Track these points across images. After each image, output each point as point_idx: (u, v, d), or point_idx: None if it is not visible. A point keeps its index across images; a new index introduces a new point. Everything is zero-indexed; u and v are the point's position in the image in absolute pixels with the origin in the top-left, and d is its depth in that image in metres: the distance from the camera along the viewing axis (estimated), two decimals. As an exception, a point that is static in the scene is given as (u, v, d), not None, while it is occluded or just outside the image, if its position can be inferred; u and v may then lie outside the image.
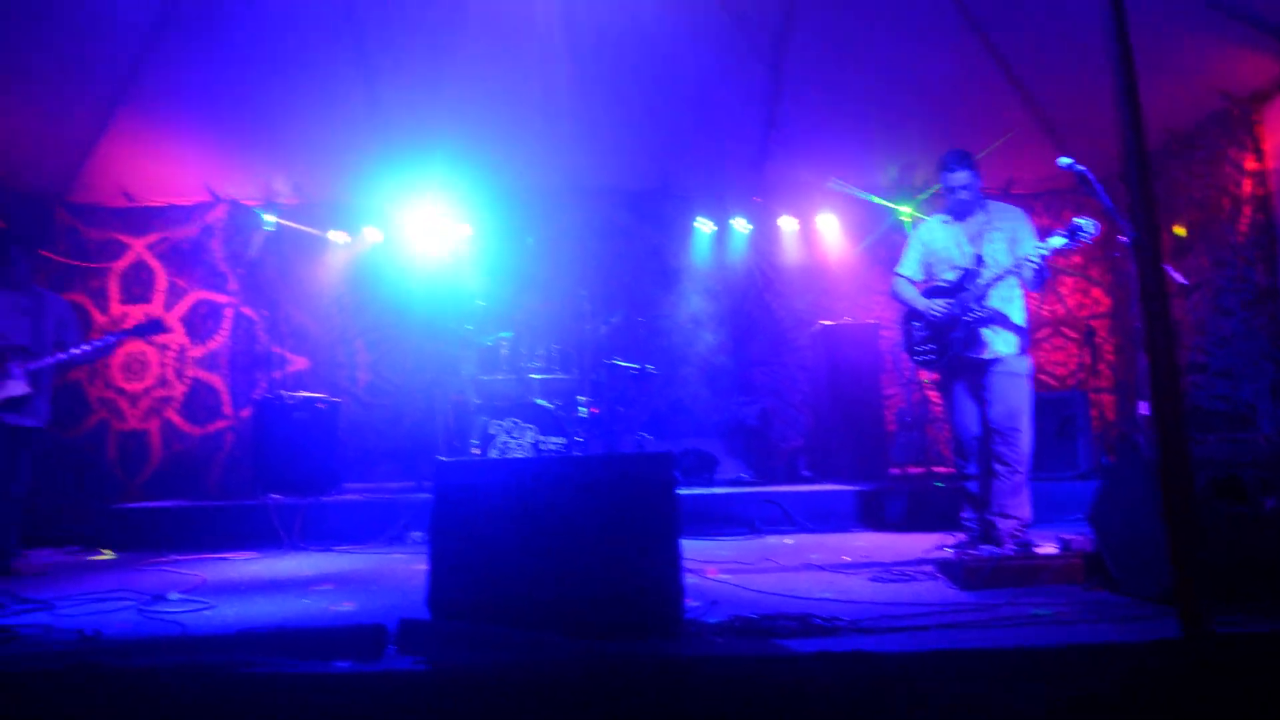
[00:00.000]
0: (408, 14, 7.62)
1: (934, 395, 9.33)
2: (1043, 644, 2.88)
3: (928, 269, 5.37)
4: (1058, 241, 4.84)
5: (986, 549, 4.07)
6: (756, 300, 9.88)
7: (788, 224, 9.84)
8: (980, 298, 5.03)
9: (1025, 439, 4.93)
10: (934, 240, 5.36)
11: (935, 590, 4.00)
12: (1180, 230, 8.01)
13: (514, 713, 2.67)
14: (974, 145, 8.88)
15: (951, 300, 5.10)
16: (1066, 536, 4.19)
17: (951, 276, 5.20)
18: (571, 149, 8.70)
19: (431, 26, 7.66)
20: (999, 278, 5.00)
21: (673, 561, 3.26)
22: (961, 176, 5.19)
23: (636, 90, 8.29)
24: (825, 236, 9.85)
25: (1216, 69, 7.08)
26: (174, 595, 4.48)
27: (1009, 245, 5.18)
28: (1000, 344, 5.09)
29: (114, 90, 7.91)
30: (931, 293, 5.25)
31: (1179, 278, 4.70)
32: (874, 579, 4.37)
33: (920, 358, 5.30)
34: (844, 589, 4.14)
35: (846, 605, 3.72)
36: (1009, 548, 4.12)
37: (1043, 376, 9.35)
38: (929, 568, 4.42)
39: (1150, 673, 2.70)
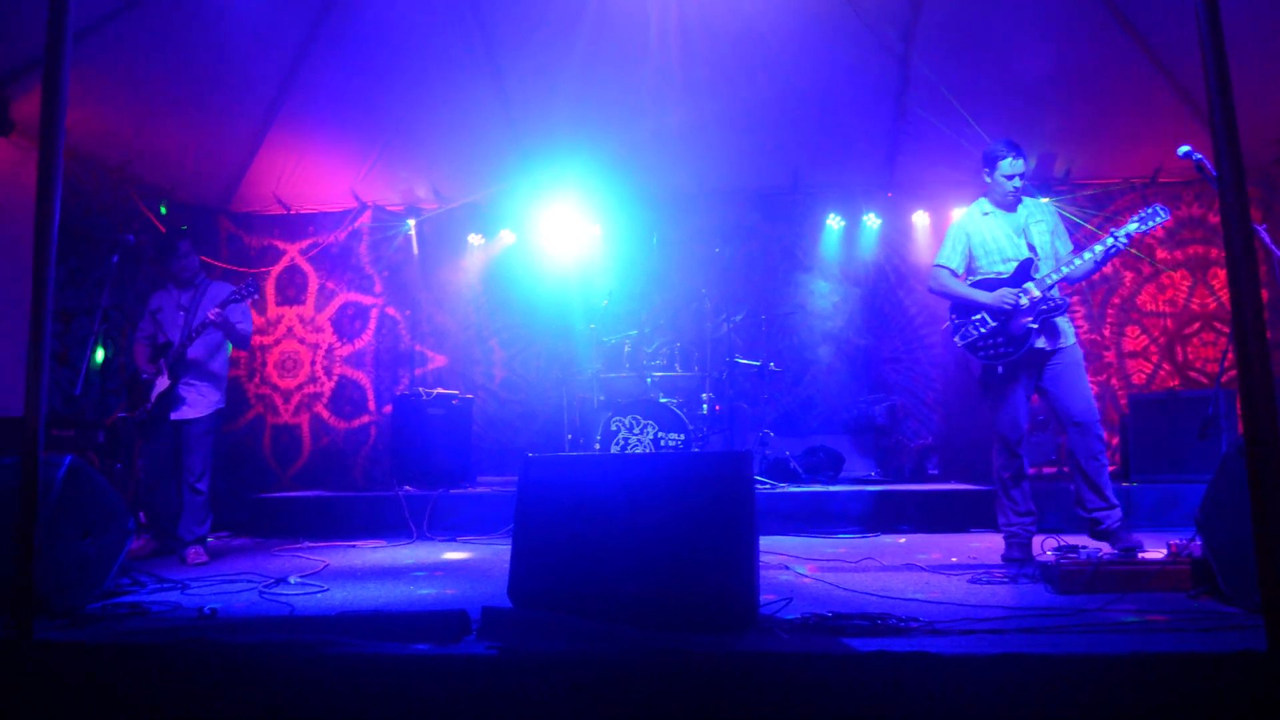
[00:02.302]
0: (533, 17, 7.81)
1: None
2: (1114, 651, 2.79)
3: (970, 262, 5.27)
4: (1132, 227, 4.87)
5: (1087, 552, 3.94)
6: (888, 296, 9.73)
7: (920, 218, 9.65)
8: (1051, 286, 4.96)
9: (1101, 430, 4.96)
10: (979, 232, 5.25)
11: (1031, 594, 3.91)
12: None
13: (574, 698, 2.76)
14: (1116, 134, 8.63)
15: (1018, 291, 4.98)
16: (1176, 541, 4.01)
17: (1006, 269, 5.11)
18: (696, 150, 8.78)
19: (554, 32, 7.83)
20: (1057, 269, 4.97)
21: (748, 558, 3.29)
22: (1020, 165, 5.15)
23: (762, 88, 8.26)
24: (959, 231, 9.60)
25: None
26: (294, 579, 4.77)
27: (1051, 237, 5.12)
28: (1070, 333, 5.08)
29: (268, 106, 8.39)
30: (989, 285, 5.12)
31: (1296, 269, 4.43)
32: (972, 580, 4.29)
33: (989, 353, 5.08)
34: (938, 589, 4.09)
35: (931, 606, 3.68)
36: (1115, 550, 3.98)
37: (1192, 374, 8.91)
38: (1033, 571, 4.30)
39: (1229, 686, 2.60)
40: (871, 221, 9.65)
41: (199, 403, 6.03)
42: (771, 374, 8.20)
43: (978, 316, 5.09)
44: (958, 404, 8.10)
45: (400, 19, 7.78)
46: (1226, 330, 8.76)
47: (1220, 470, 3.83)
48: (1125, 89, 7.96)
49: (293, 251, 10.05)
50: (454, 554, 5.91)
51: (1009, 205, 5.23)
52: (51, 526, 3.91)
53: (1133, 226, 4.87)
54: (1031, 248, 5.09)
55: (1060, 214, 5.36)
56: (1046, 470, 8.16)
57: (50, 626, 3.54)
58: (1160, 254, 9.05)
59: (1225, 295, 9.03)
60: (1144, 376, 9.01)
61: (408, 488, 7.53)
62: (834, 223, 9.66)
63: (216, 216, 9.74)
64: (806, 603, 3.73)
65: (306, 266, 10.04)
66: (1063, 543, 4.28)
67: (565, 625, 3.17)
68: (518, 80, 8.35)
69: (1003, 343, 5.01)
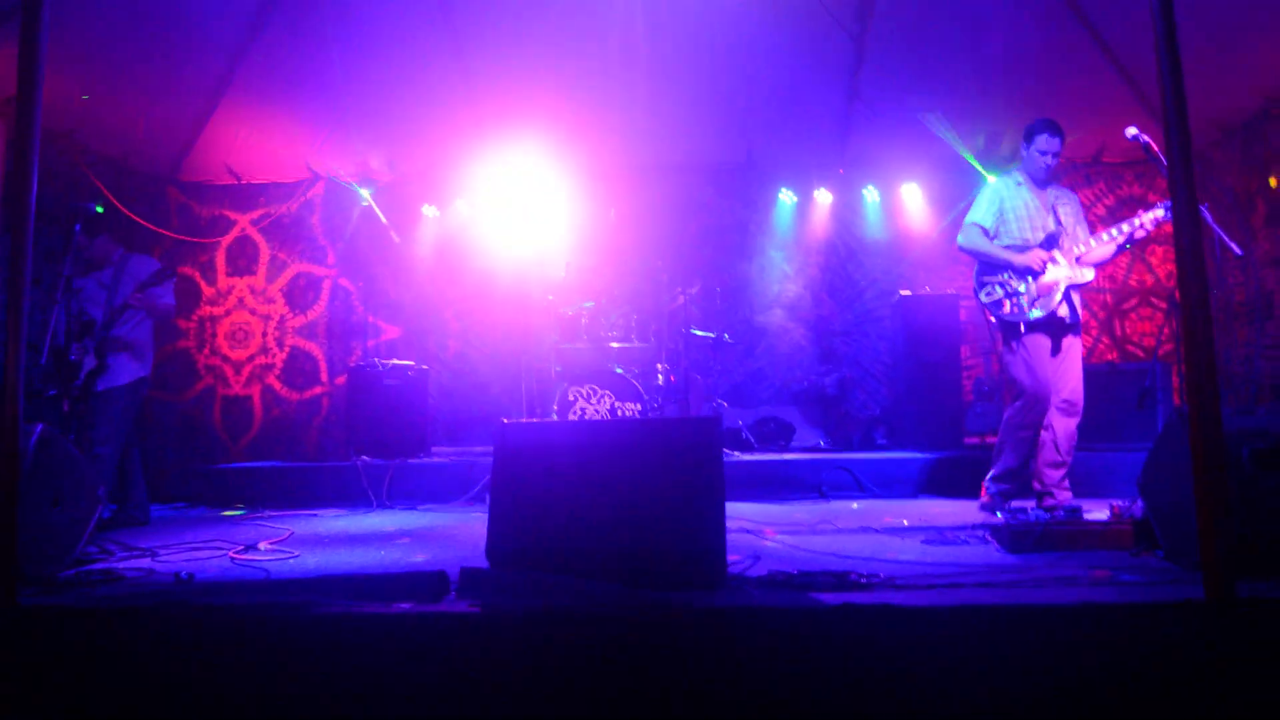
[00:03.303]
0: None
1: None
2: (1065, 602, 2.97)
3: (1000, 225, 5.46)
4: (1159, 213, 5.06)
5: (1035, 514, 4.13)
6: (838, 270, 9.92)
7: (870, 195, 9.84)
8: (1079, 259, 5.22)
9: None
10: (1013, 198, 5.46)
11: (983, 554, 4.09)
12: (1275, 181, 7.79)
13: (559, 651, 2.88)
14: (1061, 114, 8.82)
15: (1048, 257, 5.23)
16: (1118, 504, 4.23)
17: (1035, 237, 5.34)
18: (654, 125, 8.85)
19: (518, 9, 7.86)
20: (1075, 246, 5.21)
21: (716, 518, 3.43)
22: (1056, 144, 5.38)
23: (719, 65, 8.37)
24: (908, 207, 9.82)
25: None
26: (263, 545, 4.82)
27: (1074, 220, 5.31)
28: (1079, 312, 5.33)
29: (220, 75, 8.30)
30: (1018, 250, 5.34)
31: (1235, 247, 4.65)
32: (926, 541, 4.47)
33: (1014, 311, 5.28)
34: (893, 550, 4.26)
35: (890, 564, 3.84)
36: (1059, 513, 4.18)
37: (1130, 347, 9.22)
38: (983, 532, 4.49)
39: (1170, 632, 2.78)
40: (823, 197, 9.82)
41: (119, 372, 6.04)
42: (725, 345, 8.35)
43: (1005, 275, 5.32)
44: (905, 376, 8.30)
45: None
46: (1163, 306, 9.10)
47: (1162, 437, 4.03)
48: (1071, 71, 8.17)
49: (244, 222, 9.98)
50: (417, 521, 5.98)
51: (1040, 181, 5.45)
52: (24, 495, 3.92)
53: (1160, 213, 5.05)
54: (1059, 223, 5.31)
55: (1075, 199, 5.59)
56: (990, 439, 8.40)
57: (26, 594, 3.57)
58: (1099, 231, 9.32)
59: (1163, 272, 9.36)
60: (1084, 350, 9.29)
61: (364, 458, 7.57)
62: (787, 198, 9.83)
63: (166, 186, 9.66)
64: (771, 562, 3.87)
65: (258, 237, 9.98)
66: (1012, 505, 4.47)
67: (543, 583, 3.28)
68: (477, 52, 8.35)
69: (1029, 303, 5.22)
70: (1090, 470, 6.45)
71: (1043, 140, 5.37)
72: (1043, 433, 5.21)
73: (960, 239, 5.57)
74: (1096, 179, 9.30)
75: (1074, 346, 5.32)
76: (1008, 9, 7.76)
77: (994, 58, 8.14)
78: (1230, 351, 8.56)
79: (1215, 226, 4.73)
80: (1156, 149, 4.88)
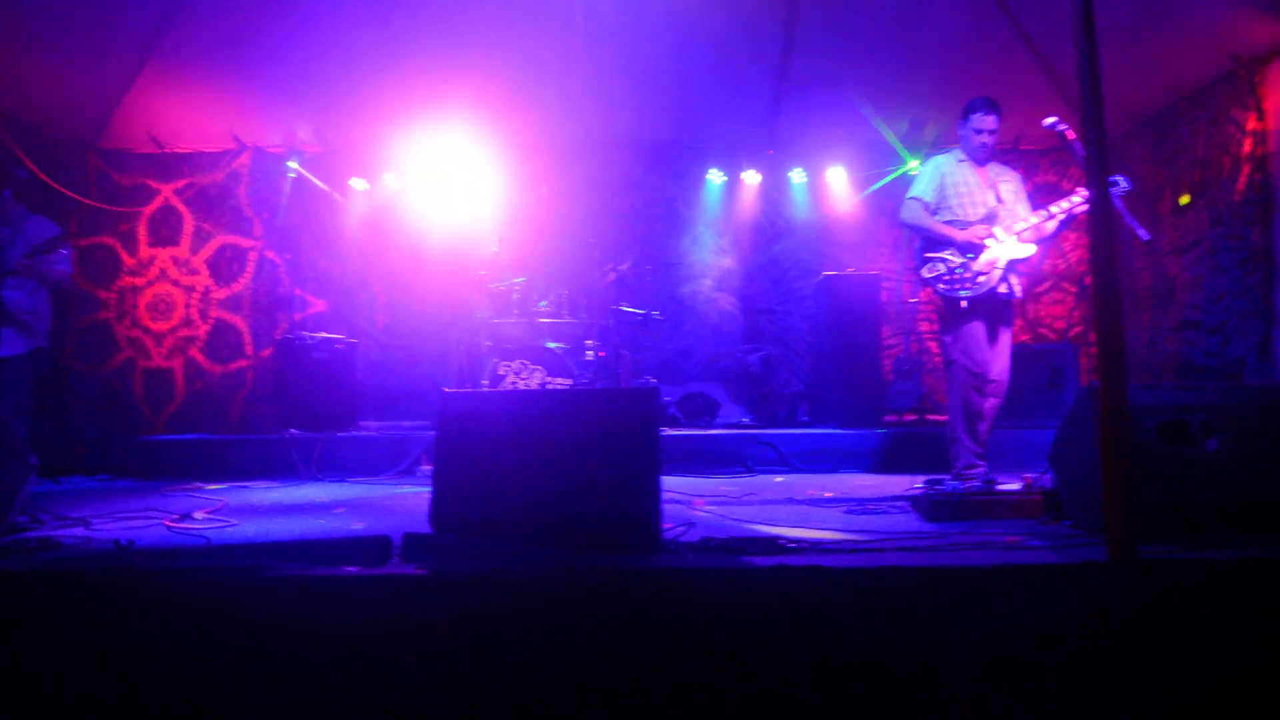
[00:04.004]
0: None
1: (933, 345, 9.59)
2: (983, 564, 3.16)
3: (941, 202, 5.53)
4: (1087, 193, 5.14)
5: (951, 484, 4.34)
6: (765, 250, 10.13)
7: (797, 176, 10.04)
8: (1019, 236, 5.33)
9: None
10: (954, 175, 5.54)
11: (903, 522, 4.29)
12: (1185, 199, 8.14)
13: (504, 612, 2.98)
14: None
15: (990, 232, 5.34)
16: (1030, 476, 4.46)
17: (976, 213, 5.43)
18: (586, 100, 8.92)
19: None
20: (1029, 222, 5.35)
21: (653, 486, 3.56)
22: (992, 121, 5.47)
23: (651, 43, 8.46)
24: (833, 189, 10.05)
25: (1224, 31, 7.19)
26: (199, 515, 4.84)
27: (1015, 197, 5.46)
28: (1018, 288, 5.45)
29: (145, 39, 8.14)
30: (959, 226, 5.43)
31: (1143, 233, 4.91)
32: (848, 512, 4.67)
33: (955, 286, 5.35)
34: (818, 519, 4.44)
35: (815, 532, 4.01)
36: (974, 484, 4.40)
37: (1042, 329, 9.58)
38: (902, 503, 4.70)
39: (1076, 589, 2.99)
40: (751, 178, 9.99)
41: (13, 341, 5.90)
42: (654, 323, 8.47)
43: (947, 251, 5.39)
44: (828, 354, 8.51)
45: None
46: (1074, 290, 9.46)
47: (1071, 412, 4.27)
48: (994, 60, 8.43)
49: (167, 191, 9.82)
50: (350, 493, 6.02)
51: (979, 159, 5.54)
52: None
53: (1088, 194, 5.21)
54: (1000, 200, 5.43)
55: (1016, 176, 5.69)
56: (908, 417, 8.70)
57: (-40, 561, 3.57)
58: (1042, 208, 9.69)
59: (1074, 257, 9.72)
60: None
61: (293, 431, 7.56)
62: (716, 177, 9.98)
63: (86, 153, 9.45)
64: (704, 530, 4.02)
65: (182, 207, 9.82)
66: (929, 477, 4.68)
67: (486, 548, 3.38)
68: (408, 22, 8.31)
69: (970, 278, 5.29)
70: (1005, 446, 6.70)
71: (977, 118, 5.46)
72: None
73: (902, 214, 5.64)
74: (1015, 166, 9.54)
75: (1010, 327, 5.47)
76: (933, 2, 7.99)
77: (919, 45, 8.37)
78: (1136, 334, 8.95)
79: (1125, 214, 4.97)
80: (1072, 138, 5.12)
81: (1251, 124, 7.40)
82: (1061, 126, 5.15)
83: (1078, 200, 5.26)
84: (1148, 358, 8.76)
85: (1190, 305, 8.16)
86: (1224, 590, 2.98)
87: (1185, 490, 3.73)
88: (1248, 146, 7.44)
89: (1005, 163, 5.78)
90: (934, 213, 5.52)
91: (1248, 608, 2.91)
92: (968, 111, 5.54)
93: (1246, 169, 7.45)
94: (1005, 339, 5.44)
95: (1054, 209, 5.34)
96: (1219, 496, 3.74)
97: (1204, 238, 7.96)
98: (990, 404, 5.38)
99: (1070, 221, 5.37)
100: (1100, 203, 3.15)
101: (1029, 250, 5.35)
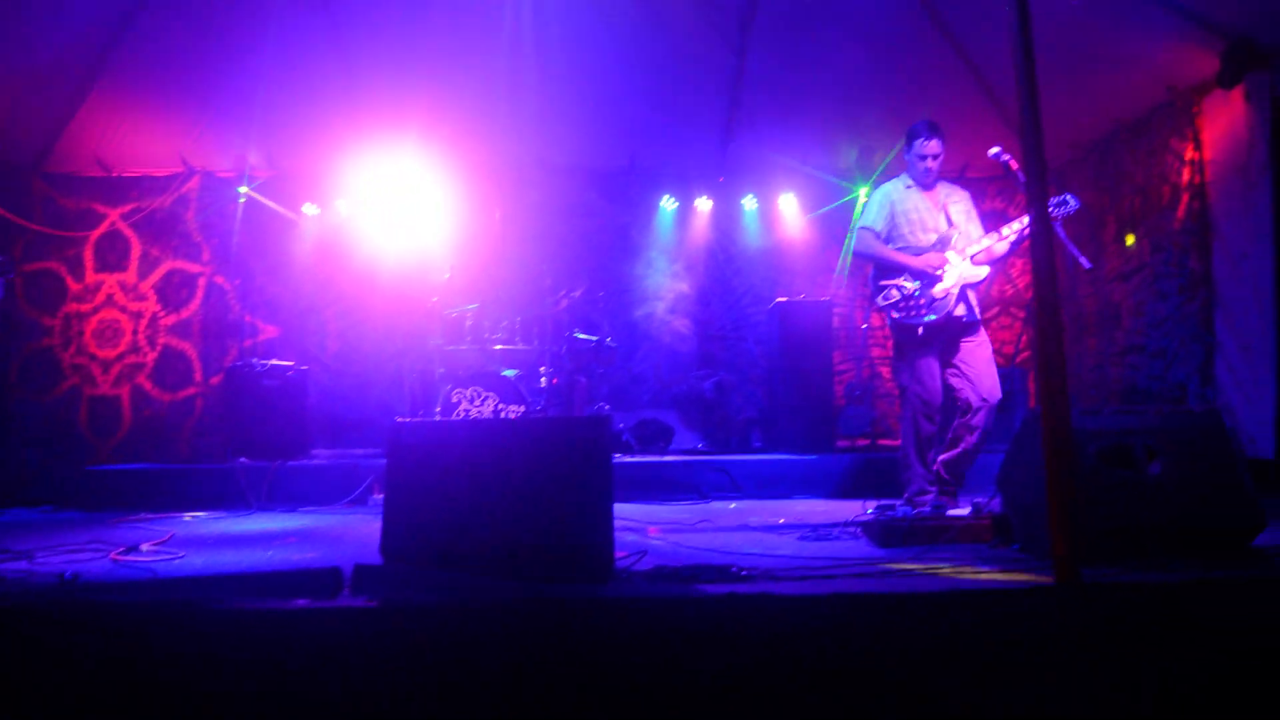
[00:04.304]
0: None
1: (884, 370, 9.69)
2: (931, 590, 3.20)
3: (892, 229, 5.56)
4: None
5: (902, 510, 4.39)
6: (717, 276, 10.20)
7: (749, 203, 10.15)
8: (972, 257, 5.35)
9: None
10: (903, 202, 5.56)
11: (855, 548, 4.33)
12: (1130, 239, 8.28)
13: (455, 644, 2.96)
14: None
15: (943, 258, 5.36)
16: (979, 500, 4.52)
17: (928, 239, 5.46)
18: (538, 127, 8.95)
19: (404, 3, 7.87)
20: (981, 244, 5.36)
21: (605, 515, 3.55)
22: (934, 145, 5.48)
23: (603, 71, 8.53)
24: (785, 216, 10.16)
25: (1163, 62, 7.38)
26: (145, 546, 4.76)
27: (966, 218, 5.50)
28: (976, 309, 5.46)
29: (92, 61, 8.08)
30: (912, 252, 5.45)
31: (1084, 261, 5.01)
32: (801, 538, 4.69)
33: (908, 315, 5.36)
34: (770, 546, 4.47)
35: (768, 559, 4.03)
36: (925, 509, 4.44)
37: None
38: (854, 529, 4.73)
39: (1025, 613, 3.03)
40: (703, 205, 10.08)
41: None
42: (606, 349, 8.48)
43: (901, 279, 5.39)
44: (780, 380, 8.58)
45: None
46: (1021, 315, 9.61)
47: (1018, 437, 4.34)
48: (940, 90, 8.60)
49: (114, 216, 9.68)
50: (301, 522, 5.96)
51: (926, 184, 5.56)
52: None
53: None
54: (951, 223, 5.44)
55: (966, 198, 5.69)
56: (860, 442, 8.77)
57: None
58: (993, 229, 9.86)
59: (1022, 283, 9.90)
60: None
61: (243, 459, 7.46)
62: (668, 204, 10.06)
63: (31, 177, 9.31)
64: (656, 558, 4.02)
65: (129, 232, 9.69)
66: (880, 503, 4.72)
67: (438, 578, 3.36)
68: (361, 47, 8.31)
69: (924, 305, 5.29)
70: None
71: (919, 144, 5.48)
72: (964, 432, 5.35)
73: (855, 245, 5.68)
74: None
75: (980, 345, 5.40)
76: (882, 29, 8.13)
77: (868, 75, 8.51)
78: (1082, 359, 9.11)
79: (1068, 242, 5.07)
80: (1016, 167, 5.22)
81: (1189, 153, 7.59)
82: (1005, 156, 5.25)
83: (1028, 222, 5.30)
84: (1094, 381, 8.92)
85: (1134, 330, 8.33)
86: (1168, 612, 3.04)
87: (1129, 514, 3.80)
88: (1186, 175, 7.63)
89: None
90: (887, 240, 5.54)
91: (1191, 629, 2.96)
92: (910, 137, 5.56)
93: (1185, 197, 7.63)
94: (980, 357, 5.38)
95: (1005, 230, 5.37)
96: (1161, 520, 3.82)
97: (1145, 264, 8.13)
98: (968, 423, 5.33)
99: (1020, 243, 5.38)
100: (1042, 233, 3.21)
101: (982, 272, 5.38)
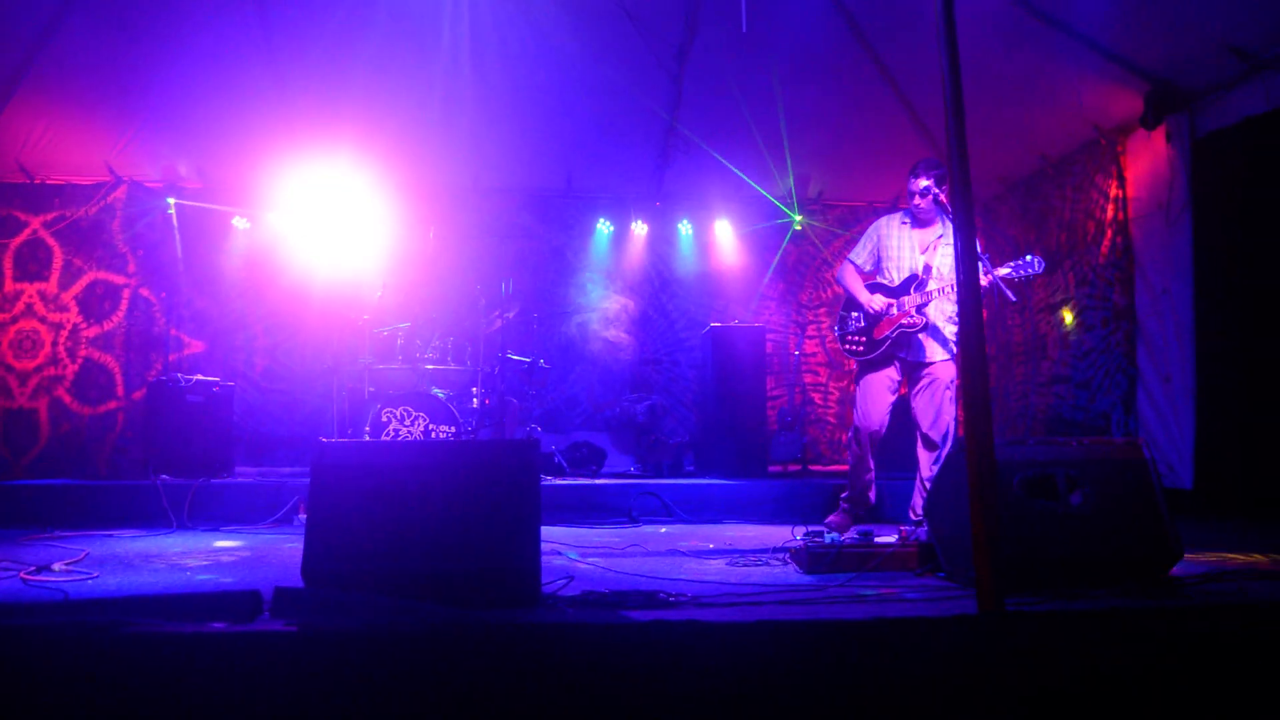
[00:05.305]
0: (315, 3, 7.76)
1: (816, 397, 9.79)
2: (857, 618, 3.21)
3: (877, 264, 5.71)
4: (1002, 271, 5.26)
5: (831, 536, 4.41)
6: (652, 300, 10.24)
7: (685, 229, 10.21)
8: (923, 305, 5.42)
9: (949, 448, 5.36)
10: (890, 238, 5.68)
11: (783, 574, 4.33)
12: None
13: (376, 670, 2.91)
14: (864, 162, 9.43)
15: (892, 301, 5.48)
16: (905, 528, 4.56)
17: (896, 279, 5.58)
18: (473, 147, 8.96)
19: (340, 18, 7.80)
20: (943, 290, 5.41)
21: (532, 539, 3.53)
22: (916, 183, 5.53)
23: (541, 93, 8.56)
24: (720, 242, 10.23)
25: (1089, 103, 7.61)
26: (58, 566, 4.60)
27: (954, 260, 5.55)
28: (934, 350, 5.50)
29: (15, 65, 7.90)
30: (874, 288, 5.61)
31: (1010, 294, 5.11)
32: (730, 564, 4.69)
33: (849, 346, 5.67)
34: (699, 571, 4.46)
35: (696, 584, 4.02)
36: (851, 536, 4.47)
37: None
38: (783, 555, 4.75)
39: (948, 643, 3.06)
40: (640, 229, 10.11)
41: None
42: (540, 370, 8.44)
43: (855, 313, 5.64)
44: (713, 405, 8.61)
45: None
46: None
47: (944, 468, 4.39)
48: (875, 123, 8.77)
49: (35, 224, 9.46)
50: (223, 543, 5.81)
51: (921, 221, 5.63)
52: None
53: (1004, 271, 5.28)
54: (928, 266, 5.50)
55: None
56: (792, 467, 8.83)
57: None
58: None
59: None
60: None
61: (164, 476, 7.27)
62: (605, 227, 10.08)
63: (-55, 181, 9.07)
64: (584, 583, 3.99)
65: (51, 241, 9.47)
66: (810, 529, 4.74)
67: (360, 602, 3.30)
68: (295, 62, 8.23)
69: (864, 343, 5.56)
70: (897, 495, 6.85)
71: (910, 180, 5.56)
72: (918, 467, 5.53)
73: (838, 273, 5.93)
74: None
75: (930, 385, 5.49)
76: (819, 63, 8.25)
77: (804, 105, 8.62)
78: (1010, 388, 9.28)
79: (995, 275, 5.17)
80: (945, 200, 5.32)
81: (1114, 190, 7.81)
82: (934, 190, 5.35)
83: (954, 260, 5.38)
84: (1020, 410, 9.09)
85: (1060, 361, 8.52)
86: (1087, 641, 3.09)
87: (1051, 543, 3.86)
88: (1110, 212, 7.84)
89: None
90: (873, 273, 5.73)
91: (1108, 658, 3.01)
92: (908, 174, 5.63)
93: (1109, 233, 7.84)
94: (928, 395, 5.50)
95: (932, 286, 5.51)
96: (1082, 550, 3.89)
97: (1070, 297, 8.32)
98: (924, 456, 5.49)
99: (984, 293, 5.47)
100: (968, 268, 3.26)
101: (919, 322, 5.46)
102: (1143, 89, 7.09)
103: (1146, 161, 7.46)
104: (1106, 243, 7.90)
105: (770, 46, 8.05)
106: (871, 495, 5.82)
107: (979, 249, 5.30)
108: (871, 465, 5.73)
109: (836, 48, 8.19)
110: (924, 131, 8.80)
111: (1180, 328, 6.97)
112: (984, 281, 5.41)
